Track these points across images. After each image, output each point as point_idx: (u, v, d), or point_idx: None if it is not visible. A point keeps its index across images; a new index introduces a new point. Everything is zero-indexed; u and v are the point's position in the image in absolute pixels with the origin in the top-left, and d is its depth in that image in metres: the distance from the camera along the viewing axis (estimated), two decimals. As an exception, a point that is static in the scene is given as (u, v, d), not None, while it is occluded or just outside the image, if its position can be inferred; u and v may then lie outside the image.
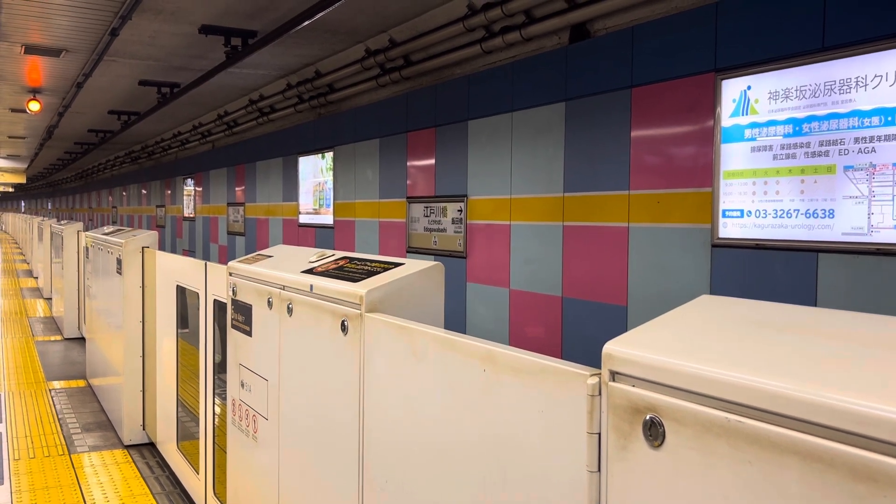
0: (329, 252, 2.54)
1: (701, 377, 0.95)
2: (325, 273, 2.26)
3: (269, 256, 2.88)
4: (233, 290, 2.91)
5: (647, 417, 1.02)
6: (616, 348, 1.09)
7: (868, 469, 0.74)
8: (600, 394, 1.13)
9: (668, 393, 1.00)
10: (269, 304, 2.53)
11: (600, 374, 1.14)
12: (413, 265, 2.05)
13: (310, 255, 2.58)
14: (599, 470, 1.14)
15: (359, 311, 1.94)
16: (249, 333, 2.73)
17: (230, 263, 2.99)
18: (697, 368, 0.96)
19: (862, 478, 0.75)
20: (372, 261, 2.23)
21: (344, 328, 2.00)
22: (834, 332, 1.02)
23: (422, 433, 1.66)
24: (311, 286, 2.21)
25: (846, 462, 0.76)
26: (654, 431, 1.01)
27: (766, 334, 1.05)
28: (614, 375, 1.09)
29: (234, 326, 2.90)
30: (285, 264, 2.61)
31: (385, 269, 2.06)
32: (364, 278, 2.04)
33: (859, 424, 0.75)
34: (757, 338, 1.04)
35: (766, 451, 0.85)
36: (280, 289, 2.45)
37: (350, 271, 2.18)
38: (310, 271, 2.36)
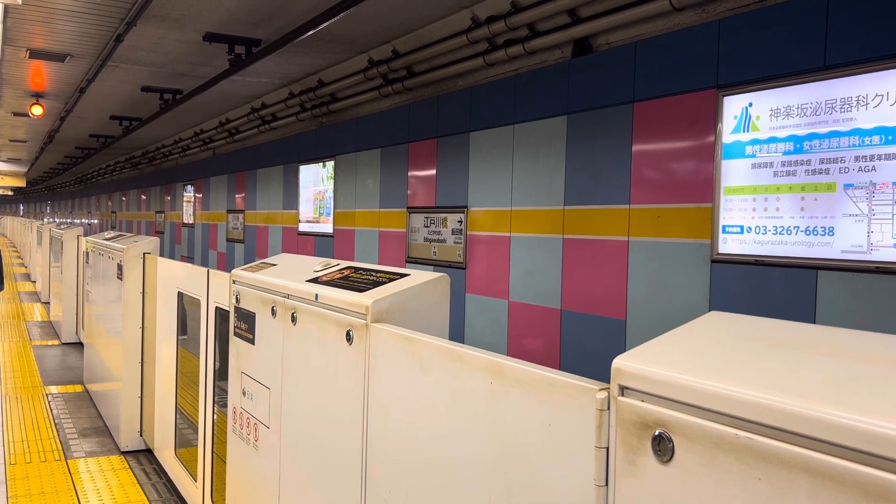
0: (334, 261, 2.55)
1: (711, 393, 0.96)
2: (331, 282, 2.27)
3: (273, 265, 2.89)
4: (236, 298, 2.91)
5: (656, 432, 1.03)
6: (626, 363, 1.10)
7: (879, 488, 0.75)
8: (609, 408, 1.14)
9: (677, 408, 1.01)
10: (273, 312, 2.53)
11: (609, 388, 1.15)
12: (419, 276, 2.06)
13: (314, 265, 2.59)
14: (607, 484, 1.14)
15: (364, 321, 1.94)
16: (252, 341, 2.73)
17: (234, 271, 3.00)
18: (707, 384, 0.98)
19: (873, 496, 0.76)
20: (377, 271, 2.24)
21: (349, 338, 2.01)
22: (844, 351, 1.04)
23: (426, 445, 1.67)
24: (317, 295, 2.22)
25: (857, 480, 0.77)
26: (662, 447, 1.02)
27: (775, 352, 1.07)
28: (623, 390, 1.10)
29: (236, 334, 2.90)
30: (290, 273, 2.62)
31: (391, 280, 2.07)
32: (370, 288, 2.05)
33: (871, 443, 0.76)
34: (767, 355, 1.06)
35: (776, 468, 0.86)
36: (284, 297, 2.46)
37: (355, 281, 2.19)
38: (315, 280, 2.37)
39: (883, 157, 3.29)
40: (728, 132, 3.93)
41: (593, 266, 4.80)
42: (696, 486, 0.98)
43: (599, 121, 4.79)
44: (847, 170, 3.41)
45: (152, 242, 5.11)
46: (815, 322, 3.62)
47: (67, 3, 6.02)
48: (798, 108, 3.61)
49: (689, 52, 4.19)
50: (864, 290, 3.37)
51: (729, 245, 3.93)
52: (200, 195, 13.85)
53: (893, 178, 3.26)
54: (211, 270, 3.55)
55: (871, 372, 0.94)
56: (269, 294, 2.60)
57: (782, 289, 3.70)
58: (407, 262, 6.88)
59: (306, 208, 9.14)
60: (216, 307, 3.42)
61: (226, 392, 3.10)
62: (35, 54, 7.83)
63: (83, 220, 28.99)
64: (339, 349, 2.06)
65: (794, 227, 3.62)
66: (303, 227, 9.22)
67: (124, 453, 4.95)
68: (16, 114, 12.46)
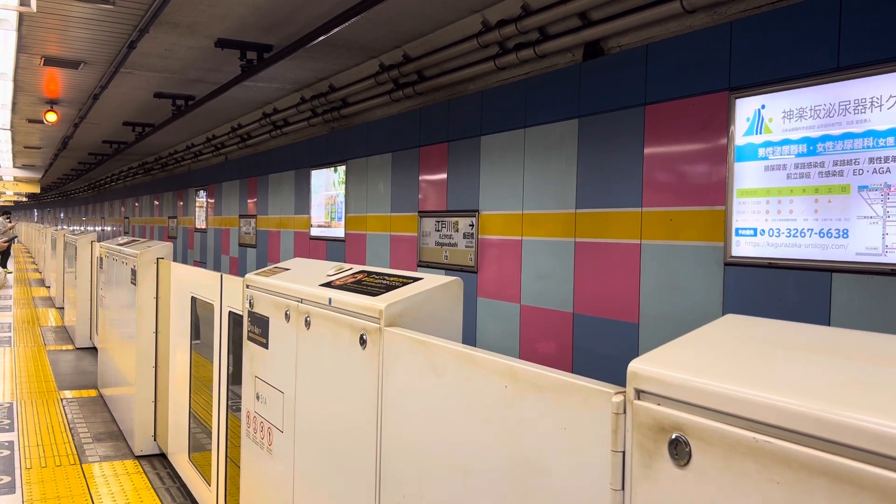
0: (347, 266, 2.56)
1: (728, 396, 0.96)
2: (344, 287, 2.28)
3: (287, 269, 2.90)
4: (250, 303, 2.93)
5: (673, 436, 1.03)
6: (642, 366, 1.10)
7: (900, 491, 0.75)
8: (625, 412, 1.14)
9: (694, 412, 1.00)
10: (287, 316, 2.54)
11: (625, 391, 1.14)
12: (432, 280, 2.06)
13: (327, 269, 2.60)
14: (623, 489, 1.14)
15: (378, 325, 1.95)
16: (266, 346, 2.74)
17: (247, 276, 3.01)
18: (724, 388, 0.97)
19: (893, 500, 0.75)
20: (390, 275, 2.24)
21: (363, 342, 2.01)
22: (861, 353, 1.03)
23: (441, 449, 1.67)
24: (330, 299, 2.23)
25: (877, 484, 0.77)
26: (679, 450, 1.02)
27: (792, 354, 1.06)
28: (639, 394, 1.10)
29: (250, 339, 2.91)
30: (303, 277, 2.63)
31: (404, 284, 2.08)
32: (383, 292, 2.05)
33: (890, 446, 0.76)
34: (784, 358, 1.05)
35: (795, 472, 0.86)
36: (298, 301, 2.47)
37: (369, 285, 2.19)
38: (328, 285, 2.38)
39: (898, 158, 3.26)
40: (741, 134, 3.91)
41: (605, 269, 4.79)
42: (713, 491, 0.97)
43: (611, 124, 4.78)
44: (861, 171, 3.39)
45: (166, 247, 5.14)
46: (829, 325, 3.59)
47: (81, 11, 6.08)
48: (811, 109, 3.59)
49: (700, 55, 4.18)
50: (879, 293, 3.35)
51: (742, 248, 3.91)
52: (213, 200, 13.93)
53: (909, 179, 3.23)
54: (224, 275, 3.57)
55: (889, 374, 0.93)
56: (282, 298, 2.61)
57: (796, 291, 3.68)
58: (418, 266, 6.89)
59: (318, 213, 9.17)
60: (229, 311, 3.44)
61: (239, 396, 3.11)
62: (49, 61, 7.91)
63: (97, 226, 29.22)
64: (353, 353, 2.07)
65: (808, 229, 3.60)
66: (314, 232, 9.25)
67: (138, 458, 4.98)
68: (30, 120, 12.59)
